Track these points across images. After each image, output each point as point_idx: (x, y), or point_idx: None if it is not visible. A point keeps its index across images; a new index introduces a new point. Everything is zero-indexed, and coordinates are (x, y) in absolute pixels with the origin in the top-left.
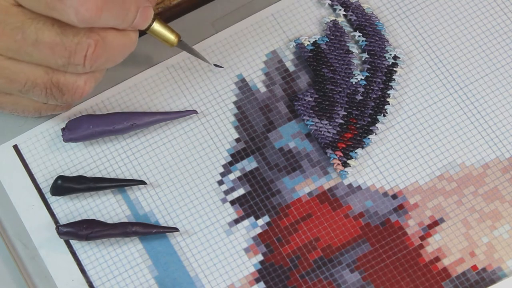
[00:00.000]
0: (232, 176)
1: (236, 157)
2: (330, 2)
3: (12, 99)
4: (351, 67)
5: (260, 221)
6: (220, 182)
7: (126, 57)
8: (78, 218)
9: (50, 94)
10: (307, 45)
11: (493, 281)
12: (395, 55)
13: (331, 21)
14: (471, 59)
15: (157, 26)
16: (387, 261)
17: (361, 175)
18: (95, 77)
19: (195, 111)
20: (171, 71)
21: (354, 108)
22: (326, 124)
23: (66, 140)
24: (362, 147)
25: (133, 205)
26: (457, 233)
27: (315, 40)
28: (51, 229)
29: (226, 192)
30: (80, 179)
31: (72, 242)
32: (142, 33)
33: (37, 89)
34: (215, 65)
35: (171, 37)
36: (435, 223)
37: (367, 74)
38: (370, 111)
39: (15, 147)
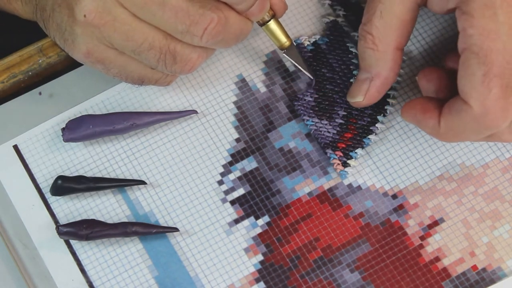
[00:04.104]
0: (232, 176)
1: (236, 157)
2: (330, 2)
3: (122, 61)
4: (351, 67)
5: (260, 221)
6: (220, 182)
7: (235, 44)
8: (78, 218)
9: (163, 60)
10: (307, 45)
11: (493, 281)
12: None
13: (331, 21)
14: None
15: (273, 25)
16: (387, 261)
17: (361, 175)
18: (206, 53)
19: (195, 111)
20: None
21: (354, 108)
22: (326, 124)
23: (66, 140)
24: (362, 147)
25: (133, 205)
26: (457, 233)
27: (315, 40)
28: (51, 229)
29: (226, 192)
30: (80, 179)
31: (72, 242)
32: None
33: (152, 52)
34: (310, 77)
35: (283, 39)
36: (435, 223)
37: None
38: (370, 111)
39: (15, 147)
